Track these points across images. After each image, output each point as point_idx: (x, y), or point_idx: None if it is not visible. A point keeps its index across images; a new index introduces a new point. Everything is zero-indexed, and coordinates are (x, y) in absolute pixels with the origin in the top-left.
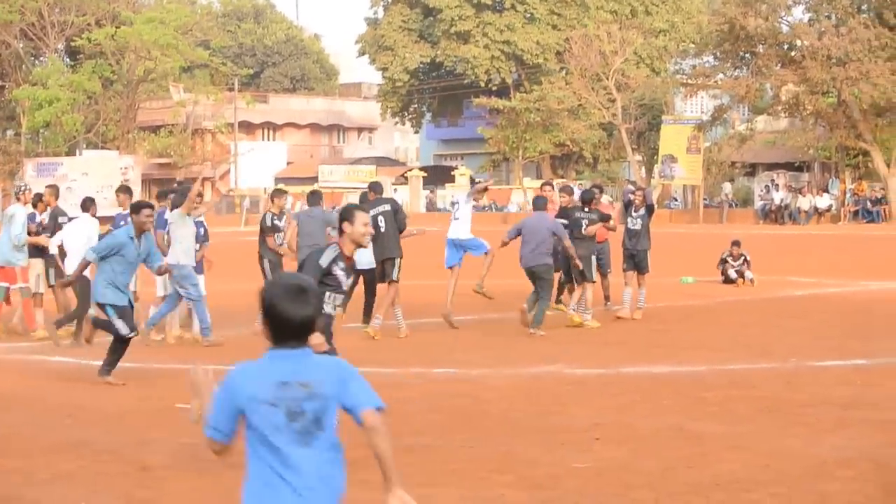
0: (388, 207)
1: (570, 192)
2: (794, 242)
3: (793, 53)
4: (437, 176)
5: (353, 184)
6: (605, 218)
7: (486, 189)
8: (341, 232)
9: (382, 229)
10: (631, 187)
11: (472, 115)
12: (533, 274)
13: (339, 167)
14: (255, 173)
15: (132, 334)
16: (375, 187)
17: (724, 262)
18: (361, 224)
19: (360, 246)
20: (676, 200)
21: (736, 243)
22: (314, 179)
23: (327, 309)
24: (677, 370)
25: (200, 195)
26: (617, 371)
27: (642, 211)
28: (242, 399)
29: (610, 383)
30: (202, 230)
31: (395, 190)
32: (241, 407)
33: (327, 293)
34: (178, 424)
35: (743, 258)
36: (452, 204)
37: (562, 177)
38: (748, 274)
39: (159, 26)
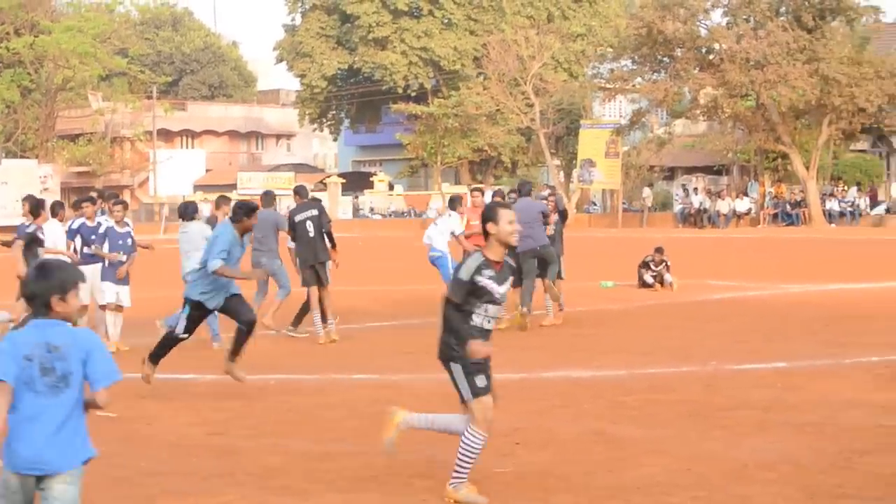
0: (315, 212)
1: (503, 197)
2: (713, 246)
3: (711, 57)
4: (356, 182)
5: (272, 191)
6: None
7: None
8: (486, 234)
9: (311, 234)
10: (545, 193)
11: (391, 122)
12: (539, 256)
13: (258, 174)
14: (174, 181)
15: (183, 336)
16: (301, 191)
17: (646, 265)
18: (507, 223)
19: (508, 247)
20: (595, 205)
21: (659, 250)
22: (233, 187)
23: (476, 321)
24: (597, 374)
25: (125, 203)
26: (537, 376)
27: (555, 216)
28: (18, 350)
29: (530, 388)
30: (129, 240)
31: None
32: (18, 356)
33: (480, 305)
34: (97, 433)
35: (664, 264)
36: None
37: (480, 182)
38: (668, 277)
39: (77, 35)
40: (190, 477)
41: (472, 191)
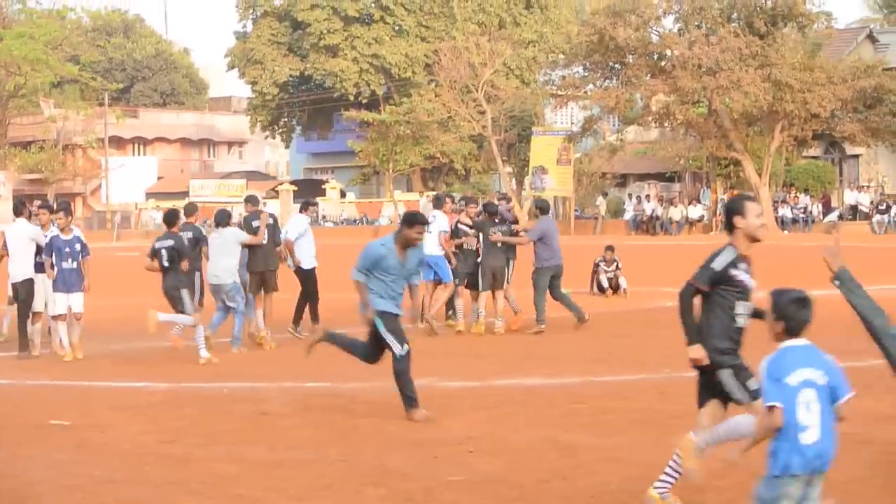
0: (270, 221)
1: (477, 204)
2: (666, 253)
3: (663, 63)
4: (308, 190)
5: (224, 198)
6: (512, 231)
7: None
8: (732, 228)
9: (265, 240)
10: (504, 204)
11: (342, 129)
12: (560, 272)
13: (210, 181)
14: (126, 188)
15: (405, 350)
16: (252, 200)
17: (596, 266)
18: (755, 216)
19: (755, 241)
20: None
21: (609, 248)
22: (185, 194)
23: (740, 322)
24: (550, 382)
25: (66, 209)
26: (490, 384)
27: (505, 227)
28: None
29: (483, 396)
30: (78, 245)
31: (265, 204)
32: None
33: (736, 302)
34: (52, 441)
35: (615, 264)
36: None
37: (433, 189)
38: (622, 282)
39: (29, 41)
40: (143, 485)
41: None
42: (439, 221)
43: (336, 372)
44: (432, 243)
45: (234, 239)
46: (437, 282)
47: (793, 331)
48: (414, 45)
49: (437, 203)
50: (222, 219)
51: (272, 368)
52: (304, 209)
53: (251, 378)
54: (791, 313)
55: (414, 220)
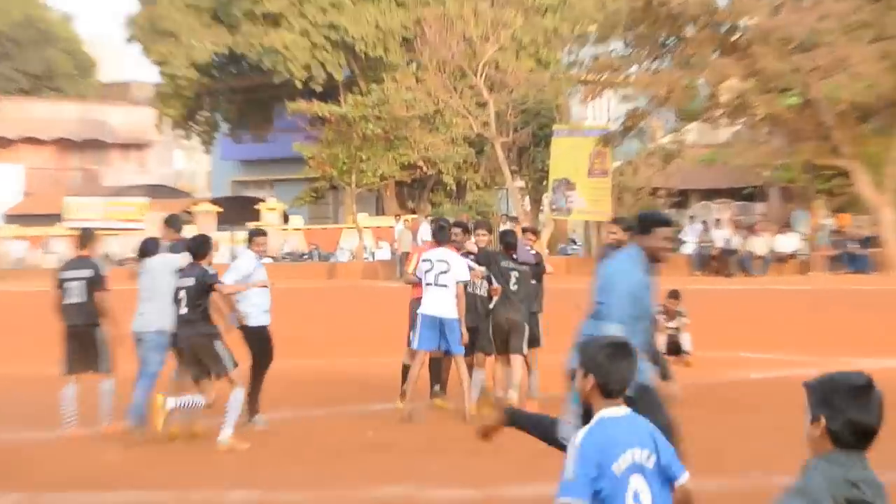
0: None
1: (490, 230)
2: (746, 302)
3: (736, 37)
4: (237, 211)
5: (114, 223)
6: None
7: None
8: None
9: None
10: (506, 226)
11: (287, 127)
12: None
13: (96, 199)
14: None
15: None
16: (173, 222)
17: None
18: None
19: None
20: (576, 244)
21: (673, 294)
22: (58, 217)
23: None
24: None
25: None
26: (492, 493)
27: (526, 269)
28: None
29: None
30: None
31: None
32: None
33: None
34: None
35: (679, 316)
36: (427, 261)
37: (413, 210)
38: (685, 341)
39: None
40: None
41: (445, 224)
42: (456, 268)
43: (271, 475)
44: (447, 300)
45: (168, 269)
46: (445, 352)
47: (607, 389)
48: (387, 13)
49: (442, 234)
50: (151, 248)
51: (184, 469)
52: (250, 243)
53: (148, 482)
54: (601, 363)
55: (655, 221)
